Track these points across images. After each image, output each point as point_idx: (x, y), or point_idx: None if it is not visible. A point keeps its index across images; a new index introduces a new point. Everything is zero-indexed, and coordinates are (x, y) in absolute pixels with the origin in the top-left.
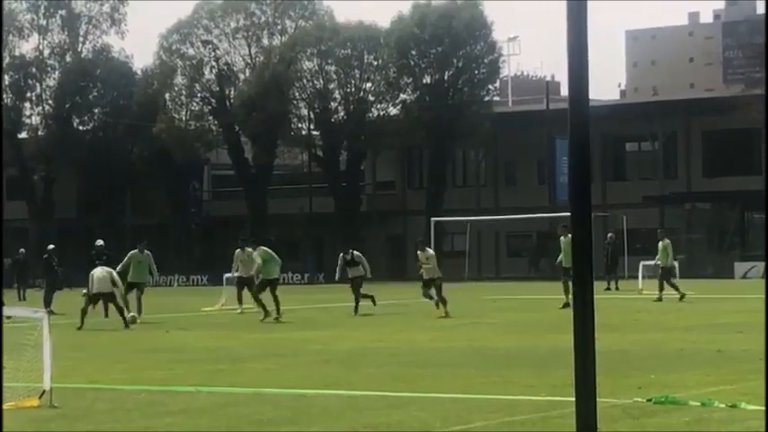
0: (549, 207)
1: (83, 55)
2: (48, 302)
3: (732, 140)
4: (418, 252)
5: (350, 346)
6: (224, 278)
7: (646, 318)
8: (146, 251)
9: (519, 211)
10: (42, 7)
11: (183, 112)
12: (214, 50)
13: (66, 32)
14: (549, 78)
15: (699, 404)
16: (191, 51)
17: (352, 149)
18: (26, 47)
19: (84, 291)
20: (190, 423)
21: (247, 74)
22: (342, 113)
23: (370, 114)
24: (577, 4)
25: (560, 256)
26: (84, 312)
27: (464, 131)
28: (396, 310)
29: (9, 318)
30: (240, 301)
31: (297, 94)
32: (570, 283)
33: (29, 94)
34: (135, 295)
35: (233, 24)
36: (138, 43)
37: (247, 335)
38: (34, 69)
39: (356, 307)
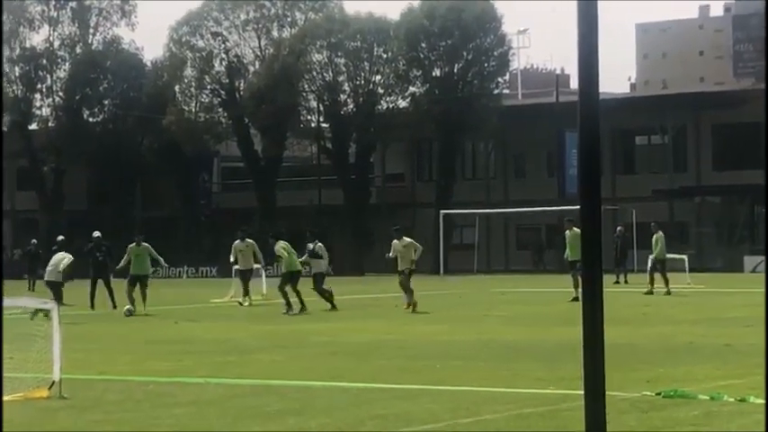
0: (559, 200)
1: (93, 47)
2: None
3: (742, 134)
4: (395, 241)
5: (358, 338)
6: (233, 270)
7: (654, 311)
8: (143, 243)
9: (528, 204)
10: None
11: (193, 104)
12: (224, 42)
13: (76, 24)
14: (558, 71)
15: (708, 398)
16: (200, 43)
17: (362, 142)
18: (37, 38)
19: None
20: (198, 414)
21: (257, 66)
22: (351, 106)
23: (380, 107)
24: None
25: (567, 251)
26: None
27: (473, 124)
28: (403, 303)
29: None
30: (246, 293)
31: (306, 86)
32: (579, 277)
33: (39, 86)
34: (139, 288)
35: (243, 16)
36: (148, 35)
37: (256, 326)
38: (45, 61)
39: (332, 303)
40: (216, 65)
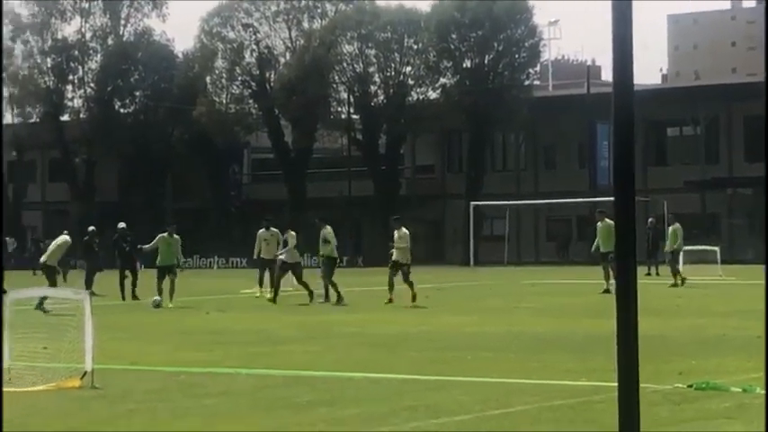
0: (590, 191)
1: (124, 38)
2: (89, 284)
3: None
4: (394, 231)
5: (389, 329)
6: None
7: (686, 303)
8: (175, 235)
9: (559, 196)
10: None
11: (224, 96)
12: (255, 34)
13: (108, 15)
14: (589, 62)
15: (740, 390)
16: (231, 35)
17: (392, 133)
18: (68, 30)
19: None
20: (229, 404)
21: (288, 57)
22: (381, 97)
23: (410, 98)
24: None
25: (596, 242)
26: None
27: (504, 115)
28: (434, 294)
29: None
30: (261, 283)
31: (337, 77)
32: (610, 269)
33: (71, 77)
34: (168, 279)
35: (273, 8)
36: (179, 26)
37: (286, 317)
38: (76, 52)
39: (326, 294)
40: (246, 56)
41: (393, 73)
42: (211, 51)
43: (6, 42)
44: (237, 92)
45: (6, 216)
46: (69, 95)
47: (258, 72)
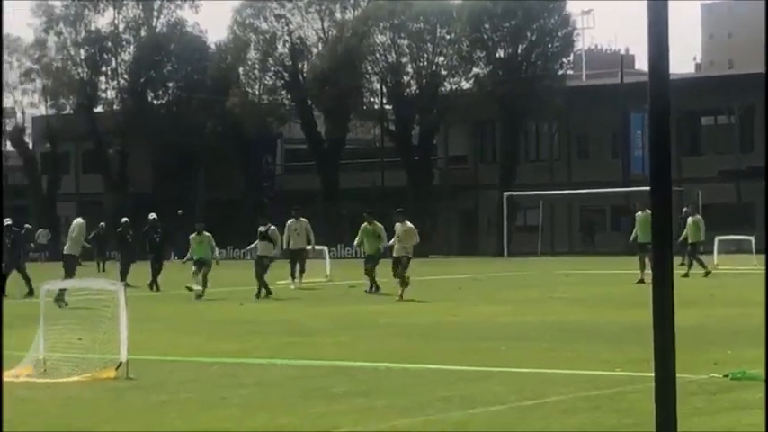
0: (623, 181)
1: (157, 29)
2: (123, 275)
3: None
4: (397, 224)
5: (423, 319)
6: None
7: (722, 293)
8: (204, 233)
9: (592, 186)
10: None
11: (257, 87)
12: (287, 24)
13: (140, 7)
14: (623, 52)
15: None
16: (264, 26)
17: (425, 123)
18: (102, 21)
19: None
20: (263, 394)
21: (320, 48)
22: (414, 87)
23: (443, 88)
24: None
25: (635, 232)
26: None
27: (537, 105)
28: (468, 285)
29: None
30: (294, 275)
31: (369, 68)
32: (647, 259)
33: (104, 69)
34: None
35: None
36: (211, 18)
37: (319, 308)
38: (110, 44)
39: (259, 291)
40: (279, 47)
41: (426, 63)
42: (244, 42)
43: (40, 34)
44: (270, 83)
45: (42, 207)
46: (103, 87)
47: (291, 63)
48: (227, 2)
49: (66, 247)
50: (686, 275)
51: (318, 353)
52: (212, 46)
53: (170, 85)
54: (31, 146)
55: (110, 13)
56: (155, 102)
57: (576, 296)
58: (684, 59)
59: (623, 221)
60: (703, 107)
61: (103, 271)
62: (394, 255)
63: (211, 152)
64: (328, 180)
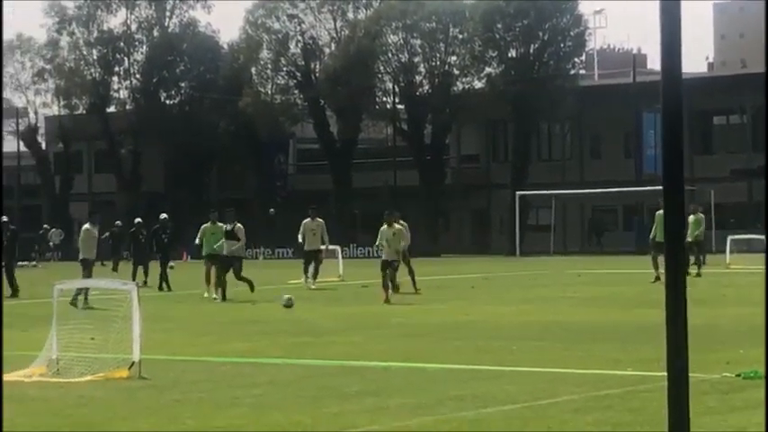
0: (635, 181)
1: (170, 29)
2: (135, 275)
3: None
4: (384, 227)
5: (434, 319)
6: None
7: (733, 292)
8: (218, 222)
9: (605, 185)
10: None
11: (269, 86)
12: (299, 24)
13: (153, 7)
14: (635, 51)
15: None
16: (276, 25)
17: (437, 123)
18: (114, 21)
19: (172, 264)
20: (276, 394)
21: (333, 48)
22: (426, 87)
23: (455, 88)
24: None
25: (653, 230)
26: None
27: (549, 105)
28: (480, 284)
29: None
30: (307, 272)
31: (382, 67)
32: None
33: (117, 69)
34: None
35: None
36: (224, 17)
37: (332, 308)
38: (122, 44)
39: (224, 293)
40: (292, 47)
41: (438, 63)
42: (256, 42)
43: (52, 34)
44: (283, 82)
45: (55, 207)
46: (115, 87)
47: (303, 63)
48: (240, 2)
49: (81, 252)
50: (698, 275)
51: (331, 352)
52: (225, 46)
53: (182, 84)
54: (44, 146)
55: (122, 13)
56: (167, 102)
57: (588, 296)
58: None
59: (636, 221)
60: (715, 107)
61: (116, 271)
62: (384, 258)
63: (224, 152)
64: (341, 180)
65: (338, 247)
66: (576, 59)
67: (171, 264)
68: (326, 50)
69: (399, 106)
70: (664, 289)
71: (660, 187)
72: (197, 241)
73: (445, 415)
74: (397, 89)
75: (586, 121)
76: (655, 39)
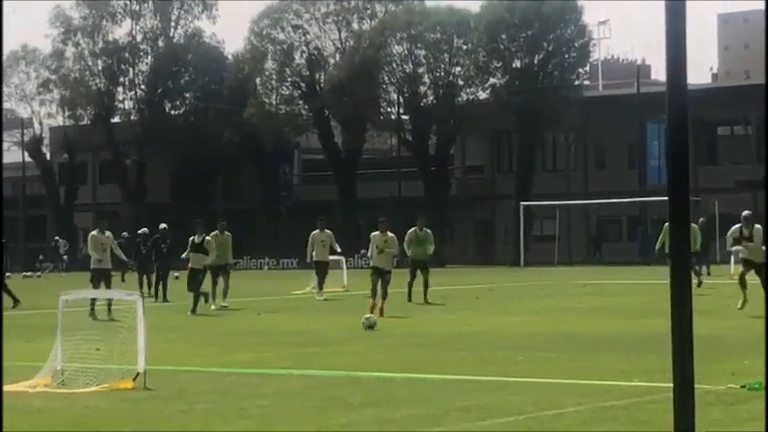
0: (639, 191)
1: (175, 40)
2: (141, 285)
3: None
4: (376, 233)
5: (439, 329)
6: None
7: (737, 303)
8: (226, 232)
9: (609, 196)
10: None
11: (274, 97)
12: (304, 35)
13: (158, 18)
14: (639, 62)
15: None
16: (281, 36)
17: (442, 133)
18: (119, 32)
19: (176, 275)
20: (282, 405)
21: (337, 58)
22: (431, 97)
23: (460, 98)
24: None
25: (660, 240)
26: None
27: (554, 115)
28: (485, 295)
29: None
30: (321, 286)
31: (386, 78)
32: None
33: (122, 79)
34: (221, 278)
35: (323, 9)
36: (229, 28)
37: (336, 318)
38: (127, 54)
39: (194, 307)
40: (296, 57)
41: (442, 73)
42: (261, 53)
43: (57, 45)
44: (287, 93)
45: (60, 217)
46: (120, 97)
47: (308, 73)
48: (245, 12)
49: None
50: (699, 285)
51: (336, 363)
52: (230, 56)
53: (187, 95)
54: (48, 156)
55: (127, 23)
56: (172, 112)
57: (592, 306)
58: (701, 70)
59: (640, 231)
60: (720, 117)
61: (123, 281)
62: (374, 266)
63: (229, 162)
64: (345, 190)
65: (342, 258)
66: (580, 70)
67: (176, 274)
68: (331, 61)
69: (404, 117)
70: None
71: (665, 198)
72: (210, 255)
73: (450, 426)
74: (401, 100)
75: (590, 132)
76: (659, 49)
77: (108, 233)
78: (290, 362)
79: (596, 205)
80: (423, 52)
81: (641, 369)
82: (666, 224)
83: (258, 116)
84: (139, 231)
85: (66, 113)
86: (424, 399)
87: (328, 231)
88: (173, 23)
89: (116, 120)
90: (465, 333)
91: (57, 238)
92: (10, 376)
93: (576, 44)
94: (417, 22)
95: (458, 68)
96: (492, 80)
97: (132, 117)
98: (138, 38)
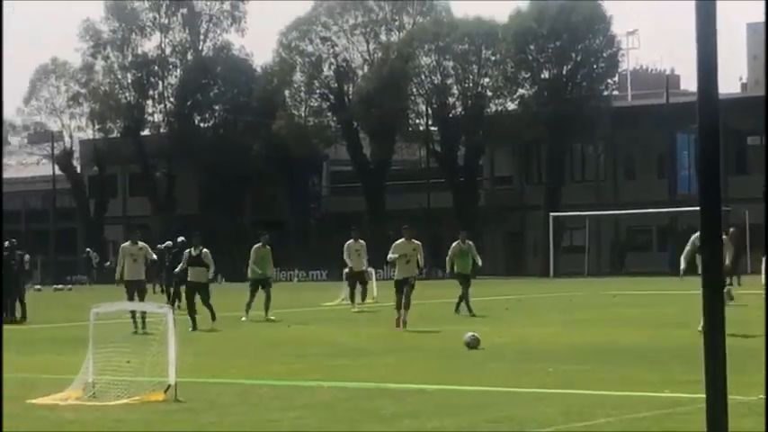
0: (669, 201)
1: (204, 53)
2: (171, 298)
3: None
4: (402, 241)
5: None
6: (343, 273)
7: None
8: (267, 246)
9: (639, 206)
10: (164, 6)
11: (302, 109)
12: (333, 47)
13: (187, 31)
14: (668, 72)
15: None
16: (310, 48)
17: (470, 144)
18: (148, 45)
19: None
20: (313, 417)
21: (365, 70)
22: (459, 109)
23: (488, 109)
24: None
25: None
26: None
27: (583, 126)
28: (515, 306)
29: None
30: (353, 297)
31: (415, 89)
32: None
33: (151, 92)
34: (263, 291)
35: (351, 21)
36: (257, 41)
37: (367, 329)
38: (156, 67)
39: (193, 323)
40: (325, 69)
41: (471, 84)
42: (290, 65)
43: (87, 58)
44: (316, 105)
45: (90, 230)
46: (149, 110)
47: (336, 85)
48: (273, 25)
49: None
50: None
51: (367, 374)
52: (258, 69)
53: (216, 107)
54: (78, 169)
55: (156, 36)
56: (201, 125)
57: (623, 317)
58: (730, 79)
59: (669, 241)
60: (749, 127)
61: (154, 293)
62: (399, 277)
63: (258, 174)
64: (374, 201)
65: (372, 269)
66: (609, 80)
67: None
68: (359, 72)
69: (432, 128)
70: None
71: (696, 208)
72: (250, 270)
73: None
74: (430, 111)
75: (619, 142)
76: (688, 60)
77: (141, 243)
78: (320, 374)
79: (626, 216)
80: (451, 63)
81: (672, 380)
82: (693, 236)
83: (287, 128)
84: (161, 245)
85: (96, 126)
86: (456, 410)
87: (362, 241)
88: (201, 36)
89: (145, 132)
90: (495, 344)
91: (88, 250)
92: (41, 389)
93: (604, 54)
94: (445, 33)
95: (486, 79)
96: (520, 91)
97: (161, 130)
98: (167, 51)
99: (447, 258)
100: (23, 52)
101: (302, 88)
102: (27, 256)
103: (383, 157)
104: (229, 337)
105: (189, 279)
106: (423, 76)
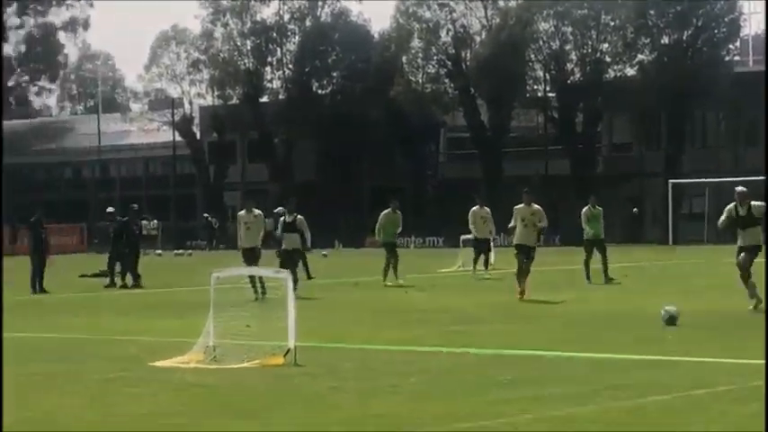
0: None
1: (322, 19)
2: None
3: None
4: (521, 206)
5: (588, 308)
6: (460, 240)
7: None
8: (398, 212)
9: (761, 173)
10: None
11: (420, 75)
12: (450, 13)
13: None
14: None
15: None
16: (427, 14)
17: (588, 111)
18: (267, 12)
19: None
20: (433, 383)
21: (483, 36)
22: (578, 75)
23: (607, 75)
24: None
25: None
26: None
27: (703, 92)
28: (634, 273)
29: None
30: (476, 264)
31: (533, 55)
32: None
33: (269, 59)
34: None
35: None
36: (375, 7)
37: (484, 296)
38: (275, 34)
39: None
40: (442, 35)
41: (590, 50)
42: (407, 31)
43: (207, 25)
44: (433, 71)
45: (209, 196)
46: (268, 77)
47: (454, 51)
48: None
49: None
50: None
51: (486, 341)
52: (376, 35)
53: (334, 74)
54: (198, 136)
55: (275, 3)
56: (319, 91)
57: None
58: None
59: None
60: None
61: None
62: (518, 242)
63: (374, 141)
64: (491, 168)
65: (490, 237)
66: (730, 46)
67: (323, 252)
68: (477, 39)
69: (550, 94)
70: None
71: None
72: (378, 227)
73: (602, 404)
74: (548, 77)
75: (741, 108)
76: None
77: (257, 211)
78: (439, 340)
79: (747, 182)
80: (569, 29)
81: None
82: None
83: (404, 95)
84: (275, 210)
85: (216, 93)
86: (575, 377)
87: (487, 208)
88: (320, 3)
89: (264, 99)
90: (615, 312)
91: (206, 215)
92: (164, 352)
93: (725, 19)
94: None
95: (605, 45)
96: (640, 56)
97: (280, 96)
98: (286, 18)
99: (582, 222)
100: (145, 20)
101: (420, 54)
102: (155, 222)
103: (500, 123)
104: (347, 303)
105: (284, 247)
106: (541, 42)
